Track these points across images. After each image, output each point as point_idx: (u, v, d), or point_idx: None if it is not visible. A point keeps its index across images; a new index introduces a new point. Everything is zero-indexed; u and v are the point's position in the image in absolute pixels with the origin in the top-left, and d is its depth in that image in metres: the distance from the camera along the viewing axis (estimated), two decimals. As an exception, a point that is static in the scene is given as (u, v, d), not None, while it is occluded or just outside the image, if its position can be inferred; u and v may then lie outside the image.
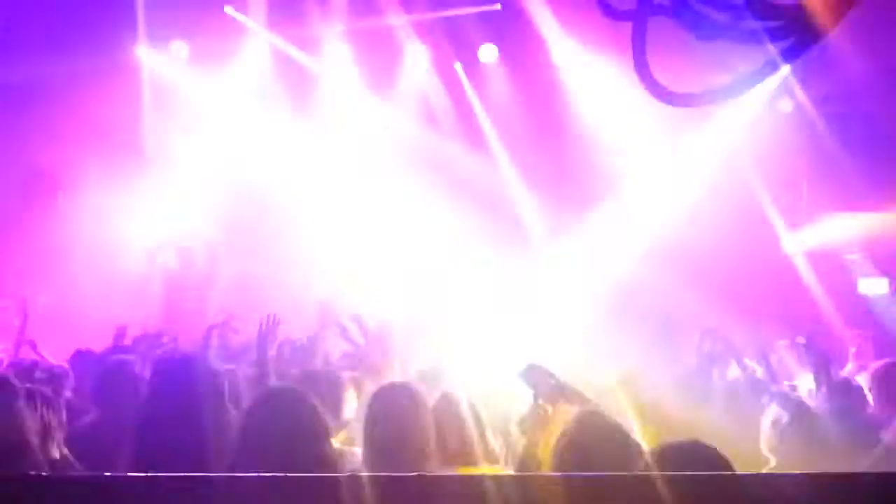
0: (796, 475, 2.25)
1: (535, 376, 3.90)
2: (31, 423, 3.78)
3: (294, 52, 11.69)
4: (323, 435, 3.27)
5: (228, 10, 11.21)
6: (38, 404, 3.94)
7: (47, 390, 4.33)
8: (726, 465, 2.58)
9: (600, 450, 3.08)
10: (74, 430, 4.55)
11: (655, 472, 2.47)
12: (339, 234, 11.38)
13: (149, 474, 2.22)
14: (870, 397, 5.42)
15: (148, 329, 7.74)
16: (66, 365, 5.99)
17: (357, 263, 11.12)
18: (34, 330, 7.39)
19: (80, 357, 6.31)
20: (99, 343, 7.00)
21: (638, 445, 3.16)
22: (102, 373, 4.94)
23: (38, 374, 5.24)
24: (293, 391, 3.46)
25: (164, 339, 7.10)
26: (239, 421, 3.37)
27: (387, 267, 11.07)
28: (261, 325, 4.92)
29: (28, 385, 4.23)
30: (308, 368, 5.50)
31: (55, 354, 6.82)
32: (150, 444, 3.24)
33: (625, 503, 2.16)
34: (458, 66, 11.85)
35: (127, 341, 7.00)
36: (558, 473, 2.92)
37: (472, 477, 2.29)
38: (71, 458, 4.05)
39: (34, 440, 3.74)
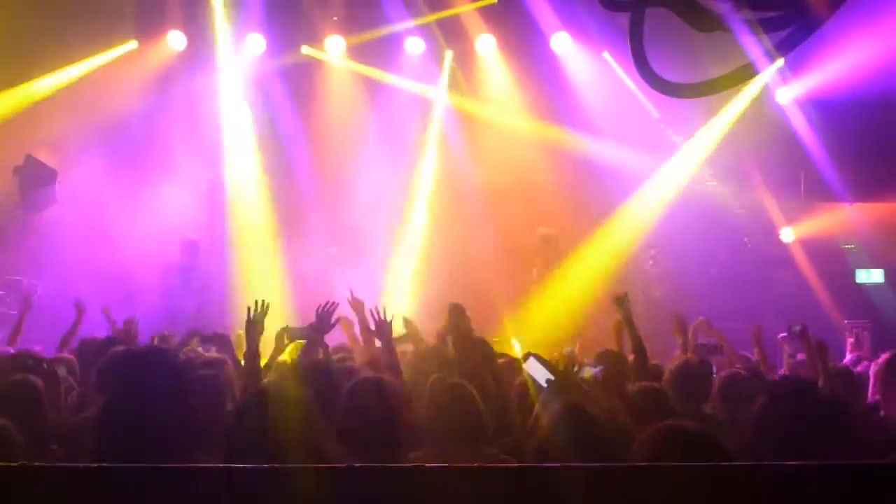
0: (792, 465, 2.25)
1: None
2: None
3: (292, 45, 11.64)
4: (317, 437, 3.24)
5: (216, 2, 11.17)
6: None
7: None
8: (719, 448, 2.59)
9: (587, 439, 3.11)
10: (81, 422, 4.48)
11: (651, 463, 2.47)
12: (340, 227, 11.38)
13: (149, 465, 2.23)
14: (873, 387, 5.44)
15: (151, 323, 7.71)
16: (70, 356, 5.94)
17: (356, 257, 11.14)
18: (33, 321, 7.38)
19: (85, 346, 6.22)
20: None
21: (625, 434, 3.18)
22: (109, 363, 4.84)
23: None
24: (281, 393, 3.38)
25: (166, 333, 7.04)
26: (229, 422, 3.34)
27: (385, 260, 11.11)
28: (249, 313, 4.77)
29: None
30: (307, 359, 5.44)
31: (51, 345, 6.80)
32: (111, 440, 3.21)
33: (626, 493, 2.17)
34: (448, 55, 11.79)
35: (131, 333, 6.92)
36: (557, 464, 2.93)
37: (468, 468, 2.29)
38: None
39: None
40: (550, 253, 10.45)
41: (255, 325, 4.70)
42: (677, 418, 4.17)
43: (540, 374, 3.95)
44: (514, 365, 5.28)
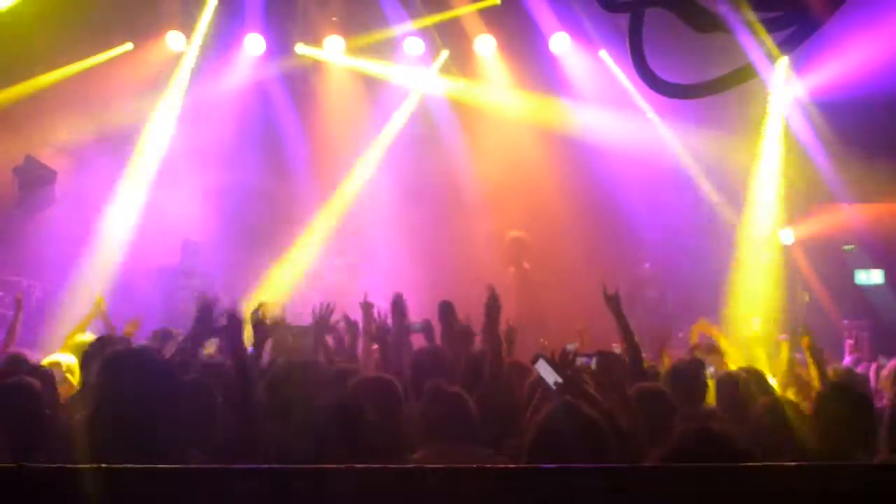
0: (792, 465, 2.25)
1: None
2: None
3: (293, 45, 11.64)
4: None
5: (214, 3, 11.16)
6: None
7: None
8: (738, 449, 2.59)
9: (573, 440, 3.11)
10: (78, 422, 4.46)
11: (650, 464, 2.47)
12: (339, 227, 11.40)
13: (149, 465, 2.22)
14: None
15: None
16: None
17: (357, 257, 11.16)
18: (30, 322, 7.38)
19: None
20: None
21: (621, 434, 3.18)
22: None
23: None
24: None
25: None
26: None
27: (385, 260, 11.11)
28: (252, 314, 4.54)
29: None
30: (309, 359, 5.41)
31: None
32: (101, 441, 3.21)
33: (625, 493, 2.17)
34: (445, 54, 11.79)
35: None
36: (555, 465, 2.93)
37: (468, 468, 2.29)
38: None
39: None
40: (521, 255, 10.56)
41: (263, 328, 4.58)
42: (679, 420, 4.19)
43: (550, 376, 3.95)
44: (522, 366, 5.24)
